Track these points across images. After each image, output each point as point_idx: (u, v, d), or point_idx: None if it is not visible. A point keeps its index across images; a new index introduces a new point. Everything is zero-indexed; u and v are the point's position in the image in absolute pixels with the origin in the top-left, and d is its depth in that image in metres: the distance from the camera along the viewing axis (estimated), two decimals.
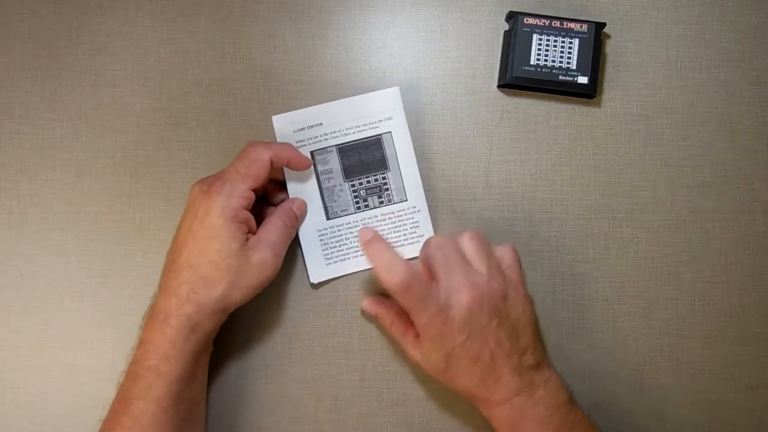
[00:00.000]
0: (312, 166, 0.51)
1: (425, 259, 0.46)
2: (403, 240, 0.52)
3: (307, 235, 0.51)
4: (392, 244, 0.48)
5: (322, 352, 0.52)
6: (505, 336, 0.44)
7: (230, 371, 0.52)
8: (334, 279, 0.52)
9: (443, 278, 0.44)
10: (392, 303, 0.49)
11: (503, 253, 0.48)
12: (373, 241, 0.45)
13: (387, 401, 0.52)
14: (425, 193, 0.52)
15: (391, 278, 0.43)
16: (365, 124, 0.51)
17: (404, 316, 0.48)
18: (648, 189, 0.53)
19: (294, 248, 0.51)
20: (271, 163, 0.46)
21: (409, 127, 0.52)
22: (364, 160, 0.52)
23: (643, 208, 0.53)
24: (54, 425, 0.51)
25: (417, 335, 0.47)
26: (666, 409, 0.52)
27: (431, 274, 0.45)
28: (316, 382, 0.52)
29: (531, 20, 0.51)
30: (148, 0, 0.53)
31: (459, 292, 0.43)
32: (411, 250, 0.51)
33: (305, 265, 0.51)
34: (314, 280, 0.51)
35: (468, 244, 0.46)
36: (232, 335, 0.51)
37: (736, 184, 0.53)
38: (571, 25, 0.51)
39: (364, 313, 0.51)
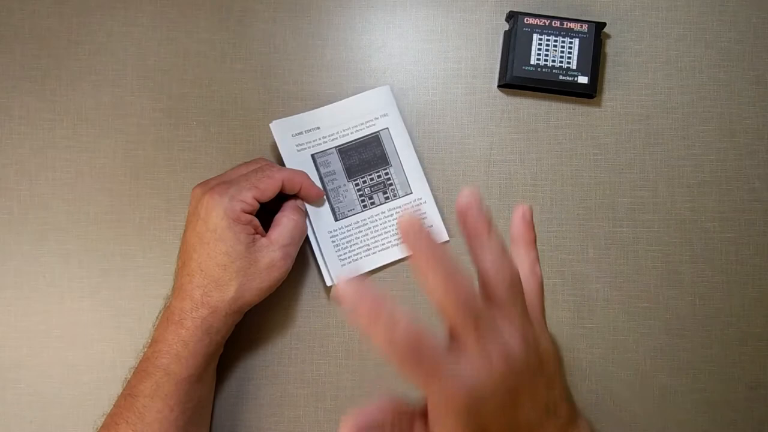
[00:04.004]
0: (324, 196, 0.51)
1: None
2: None
3: (319, 238, 0.51)
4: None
5: (322, 352, 0.52)
6: (543, 410, 0.33)
7: (230, 371, 0.51)
8: None
9: (470, 340, 0.30)
10: (379, 408, 0.33)
11: (525, 282, 0.34)
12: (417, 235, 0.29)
13: None
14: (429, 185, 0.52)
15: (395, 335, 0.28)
16: (362, 123, 0.51)
17: (403, 417, 0.33)
18: (648, 189, 0.53)
19: (299, 249, 0.51)
20: (283, 185, 0.46)
21: (410, 127, 0.52)
22: (365, 158, 0.52)
23: (643, 208, 0.53)
24: (54, 425, 0.51)
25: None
26: (666, 409, 0.52)
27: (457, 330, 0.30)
28: (316, 382, 0.52)
29: (531, 20, 0.51)
30: (148, 0, 0.53)
31: (490, 362, 0.30)
32: None
33: (320, 268, 0.51)
34: (334, 282, 0.51)
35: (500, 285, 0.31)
36: (232, 335, 0.50)
37: (736, 184, 0.53)
38: (571, 25, 0.51)
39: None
